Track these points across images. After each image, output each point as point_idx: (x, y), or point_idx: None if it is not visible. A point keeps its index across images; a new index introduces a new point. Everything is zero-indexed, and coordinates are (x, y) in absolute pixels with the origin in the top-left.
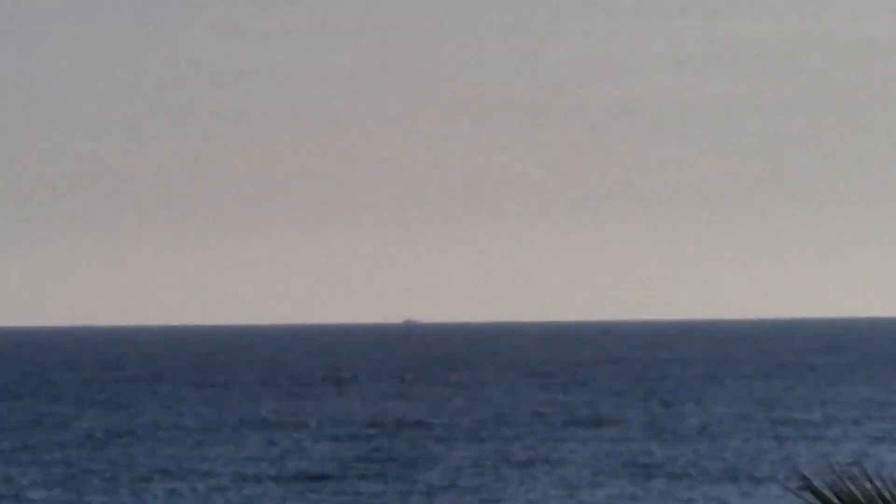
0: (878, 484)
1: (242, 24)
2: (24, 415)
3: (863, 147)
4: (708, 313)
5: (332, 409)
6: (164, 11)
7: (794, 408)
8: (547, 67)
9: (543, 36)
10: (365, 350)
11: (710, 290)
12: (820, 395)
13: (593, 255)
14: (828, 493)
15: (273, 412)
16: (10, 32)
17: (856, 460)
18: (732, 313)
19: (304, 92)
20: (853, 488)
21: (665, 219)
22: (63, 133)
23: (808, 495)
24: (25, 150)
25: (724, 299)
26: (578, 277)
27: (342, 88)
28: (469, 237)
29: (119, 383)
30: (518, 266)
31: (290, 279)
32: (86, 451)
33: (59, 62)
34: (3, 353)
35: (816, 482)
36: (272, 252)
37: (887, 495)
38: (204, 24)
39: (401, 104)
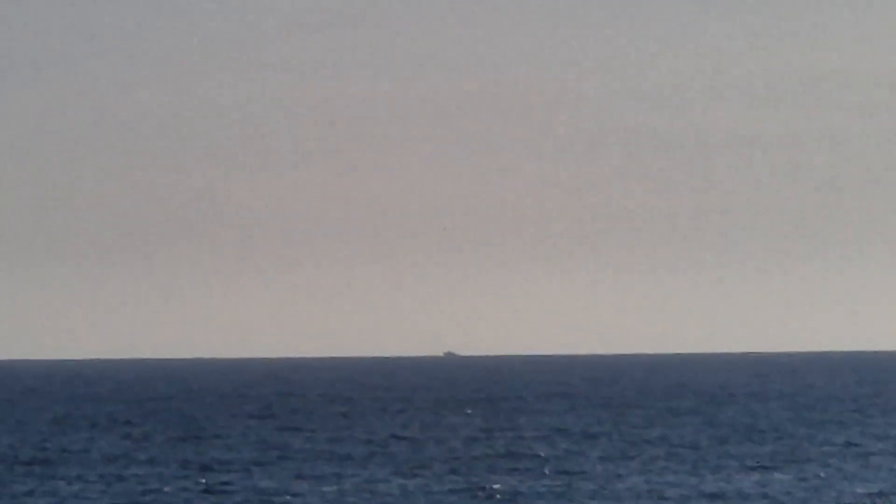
0: None
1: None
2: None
3: (863, 183)
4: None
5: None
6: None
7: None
8: (583, 100)
9: (557, 72)
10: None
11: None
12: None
13: (626, 289)
14: None
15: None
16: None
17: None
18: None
19: (334, 123)
20: None
21: (714, 252)
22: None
23: None
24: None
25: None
26: (615, 311)
27: (380, 120)
28: (506, 271)
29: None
30: (556, 299)
31: (327, 313)
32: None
33: (57, 102)
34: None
35: None
36: (312, 286)
37: None
38: (212, 67)
39: (436, 137)
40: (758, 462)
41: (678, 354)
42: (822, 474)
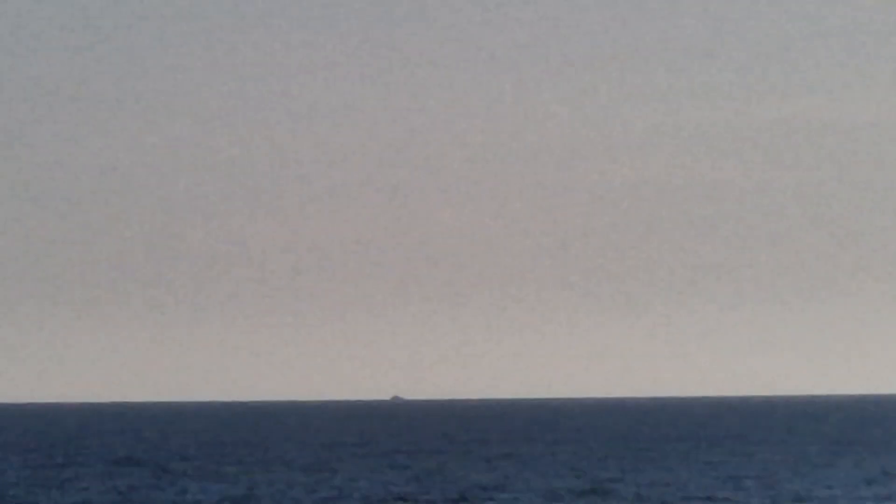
0: None
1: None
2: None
3: (851, 228)
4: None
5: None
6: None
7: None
8: (542, 146)
9: (535, 116)
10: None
11: (695, 368)
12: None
13: (578, 332)
14: None
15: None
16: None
17: None
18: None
19: (289, 168)
20: None
21: (648, 298)
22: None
23: None
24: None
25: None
26: (563, 354)
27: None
28: (455, 315)
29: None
30: (502, 343)
31: (277, 356)
32: None
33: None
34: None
35: None
36: (258, 330)
37: None
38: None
39: (387, 174)
40: None
41: (633, 398)
42: None
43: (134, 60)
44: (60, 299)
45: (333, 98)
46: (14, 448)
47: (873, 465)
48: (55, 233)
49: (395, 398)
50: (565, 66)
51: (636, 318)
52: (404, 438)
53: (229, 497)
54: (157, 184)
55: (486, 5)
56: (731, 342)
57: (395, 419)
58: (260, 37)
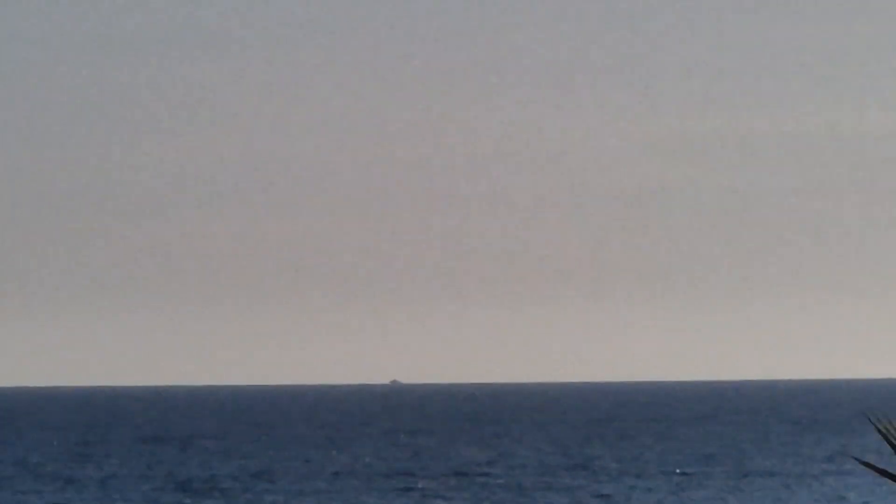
0: None
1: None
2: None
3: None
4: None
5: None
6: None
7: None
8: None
9: (532, 123)
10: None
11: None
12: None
13: (566, 321)
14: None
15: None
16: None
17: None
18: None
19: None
20: None
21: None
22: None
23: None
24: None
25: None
26: (552, 341)
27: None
28: (450, 304)
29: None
30: (495, 331)
31: (282, 344)
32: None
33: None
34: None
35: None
36: (265, 321)
37: None
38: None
39: (386, 165)
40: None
41: (615, 382)
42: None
43: (134, 60)
44: (95, 294)
45: (324, 94)
46: (50, 428)
47: (832, 444)
48: (58, 229)
49: (394, 382)
50: (567, 68)
51: (616, 308)
52: (404, 420)
53: (249, 471)
54: (159, 180)
55: (485, 8)
56: (702, 331)
57: (395, 402)
58: (259, 36)
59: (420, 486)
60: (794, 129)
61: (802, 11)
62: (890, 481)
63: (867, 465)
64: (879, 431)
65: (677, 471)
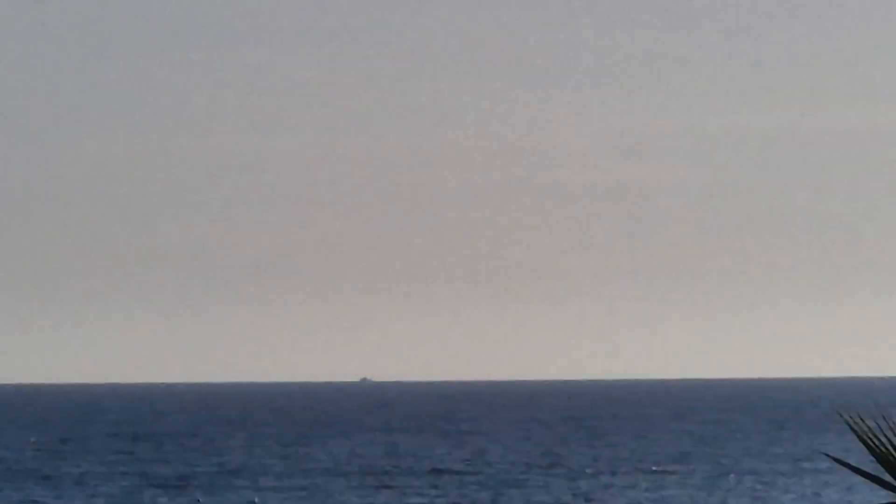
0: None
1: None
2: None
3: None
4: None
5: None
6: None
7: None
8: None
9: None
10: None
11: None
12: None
13: (539, 319)
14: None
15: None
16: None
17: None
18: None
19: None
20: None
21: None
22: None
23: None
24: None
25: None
26: (524, 339)
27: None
28: (421, 301)
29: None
30: (467, 328)
31: (254, 342)
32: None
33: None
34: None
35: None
36: (237, 319)
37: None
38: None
39: (358, 163)
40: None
41: (590, 381)
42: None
43: (133, 60)
44: (70, 291)
45: (308, 91)
46: (25, 425)
47: (809, 442)
48: (51, 227)
49: (364, 380)
50: (570, 67)
51: (592, 307)
52: (376, 417)
53: (226, 468)
54: (146, 179)
55: (489, 8)
56: (679, 330)
57: (367, 400)
58: (258, 36)
59: (397, 483)
60: (793, 126)
61: (782, 5)
62: (865, 479)
63: (843, 463)
64: (853, 430)
65: (654, 469)
